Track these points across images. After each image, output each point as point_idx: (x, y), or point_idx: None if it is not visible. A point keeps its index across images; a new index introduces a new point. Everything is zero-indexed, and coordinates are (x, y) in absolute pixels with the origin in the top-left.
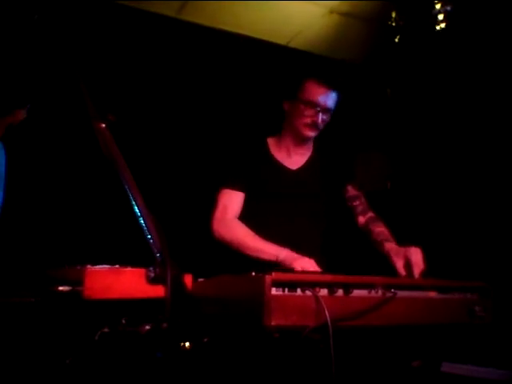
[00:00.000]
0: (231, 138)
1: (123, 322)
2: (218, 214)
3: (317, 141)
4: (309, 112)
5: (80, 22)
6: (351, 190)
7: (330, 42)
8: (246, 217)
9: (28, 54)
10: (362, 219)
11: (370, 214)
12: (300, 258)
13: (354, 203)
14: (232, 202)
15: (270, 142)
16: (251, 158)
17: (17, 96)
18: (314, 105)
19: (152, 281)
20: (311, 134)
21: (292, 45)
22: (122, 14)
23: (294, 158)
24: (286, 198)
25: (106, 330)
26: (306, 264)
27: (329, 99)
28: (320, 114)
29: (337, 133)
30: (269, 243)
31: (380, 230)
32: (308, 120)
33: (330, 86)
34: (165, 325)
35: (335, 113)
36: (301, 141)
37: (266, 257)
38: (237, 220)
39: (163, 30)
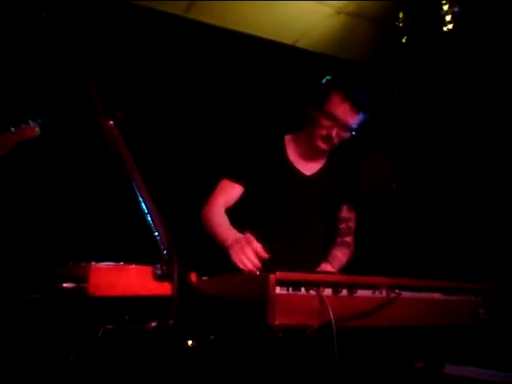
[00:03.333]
0: (245, 135)
1: (126, 318)
2: (209, 199)
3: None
4: (326, 123)
5: (88, 20)
6: (345, 212)
7: (336, 42)
8: (252, 216)
9: (35, 58)
10: (338, 240)
11: (346, 239)
12: (240, 247)
13: (341, 226)
14: (227, 192)
15: (288, 140)
16: (264, 156)
17: (21, 108)
18: (333, 117)
19: (159, 278)
20: (324, 146)
21: (299, 44)
22: (130, 12)
23: (309, 164)
24: (297, 203)
25: (109, 326)
26: (247, 252)
27: (351, 117)
28: (336, 129)
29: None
30: (231, 229)
31: (337, 254)
32: (324, 132)
33: (356, 105)
34: (171, 322)
35: None
36: (314, 151)
37: (219, 240)
38: (223, 209)
39: (177, 28)
